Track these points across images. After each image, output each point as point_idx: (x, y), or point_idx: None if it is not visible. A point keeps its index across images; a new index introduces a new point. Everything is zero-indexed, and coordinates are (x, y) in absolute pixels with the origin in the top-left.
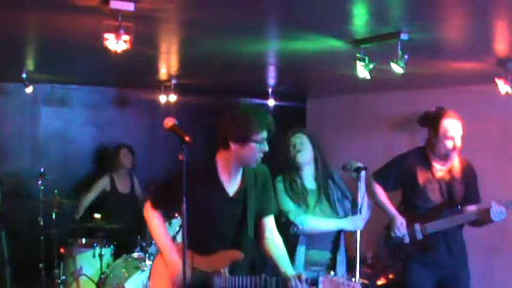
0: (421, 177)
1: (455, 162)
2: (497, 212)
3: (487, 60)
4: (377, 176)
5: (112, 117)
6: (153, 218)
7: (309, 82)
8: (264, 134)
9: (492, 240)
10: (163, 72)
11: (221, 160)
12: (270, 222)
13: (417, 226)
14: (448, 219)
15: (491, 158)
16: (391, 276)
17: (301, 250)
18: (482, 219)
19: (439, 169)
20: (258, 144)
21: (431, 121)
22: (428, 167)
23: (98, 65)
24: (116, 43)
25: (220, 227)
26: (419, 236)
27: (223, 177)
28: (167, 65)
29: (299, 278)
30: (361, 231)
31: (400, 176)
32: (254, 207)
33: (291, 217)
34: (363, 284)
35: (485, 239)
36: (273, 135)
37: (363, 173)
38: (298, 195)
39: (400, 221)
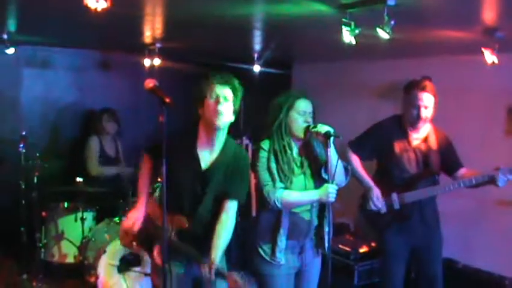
0: (398, 146)
1: (431, 133)
2: (504, 180)
3: (474, 29)
4: (353, 145)
5: (95, 80)
6: (142, 166)
7: (295, 48)
8: (218, 89)
9: (468, 208)
10: (147, 35)
11: (200, 128)
12: (230, 206)
13: (394, 196)
14: (429, 189)
15: (477, 127)
16: (373, 244)
17: (285, 222)
18: (482, 184)
19: (415, 138)
20: (211, 99)
21: (405, 89)
22: (405, 135)
23: (82, 26)
24: (96, 1)
25: (182, 194)
26: (396, 205)
27: (201, 146)
28: (152, 28)
29: (210, 267)
30: (335, 199)
31: (376, 144)
32: (218, 185)
33: (265, 193)
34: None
35: (462, 208)
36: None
37: (332, 139)
38: (283, 166)
39: (376, 194)
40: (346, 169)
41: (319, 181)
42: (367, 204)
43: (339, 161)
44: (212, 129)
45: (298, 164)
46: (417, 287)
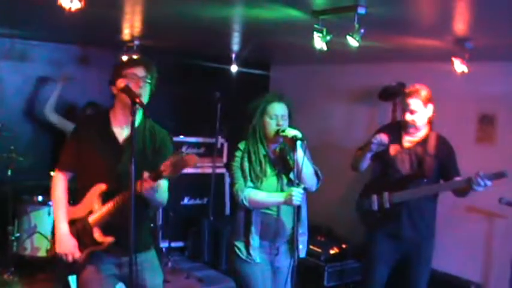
0: (393, 148)
1: (431, 138)
2: (480, 185)
3: (444, 39)
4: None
5: (73, 74)
6: (57, 180)
7: (272, 50)
8: (137, 70)
9: (438, 214)
10: (126, 33)
11: (112, 109)
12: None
13: (386, 195)
14: (415, 190)
15: (448, 134)
16: (344, 245)
17: (256, 221)
18: (462, 188)
19: (408, 140)
20: (129, 79)
21: (401, 96)
22: (399, 139)
23: (59, 22)
24: (70, 1)
25: (102, 177)
26: (386, 204)
27: (116, 126)
28: (130, 26)
29: (145, 178)
30: (299, 204)
31: None
32: (139, 160)
33: (234, 191)
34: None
35: (444, 213)
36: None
37: (299, 143)
38: (255, 167)
39: (376, 135)
40: (316, 173)
41: (290, 184)
42: (363, 200)
43: (309, 165)
44: (129, 109)
45: (272, 166)
46: None
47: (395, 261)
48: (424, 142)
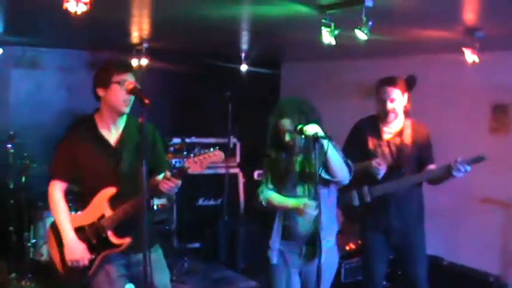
0: (371, 141)
1: (407, 127)
2: (460, 171)
3: (454, 29)
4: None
5: (84, 80)
6: (55, 190)
7: (281, 48)
8: (127, 76)
9: (454, 206)
10: (135, 36)
11: (97, 114)
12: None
13: (365, 188)
14: (394, 182)
15: (462, 125)
16: (360, 242)
17: (278, 222)
18: (441, 176)
19: (387, 132)
20: (120, 85)
21: (375, 87)
22: (377, 131)
23: (68, 27)
24: (76, 5)
25: (102, 183)
26: (367, 198)
27: (103, 129)
28: (139, 29)
29: (166, 177)
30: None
31: (354, 143)
32: (132, 161)
33: (258, 191)
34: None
35: (447, 205)
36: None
37: (325, 141)
38: (279, 170)
39: (375, 161)
40: (347, 164)
41: (322, 185)
42: (343, 196)
43: (338, 158)
44: (117, 113)
45: (296, 169)
46: (404, 285)
47: (389, 252)
48: (401, 132)
